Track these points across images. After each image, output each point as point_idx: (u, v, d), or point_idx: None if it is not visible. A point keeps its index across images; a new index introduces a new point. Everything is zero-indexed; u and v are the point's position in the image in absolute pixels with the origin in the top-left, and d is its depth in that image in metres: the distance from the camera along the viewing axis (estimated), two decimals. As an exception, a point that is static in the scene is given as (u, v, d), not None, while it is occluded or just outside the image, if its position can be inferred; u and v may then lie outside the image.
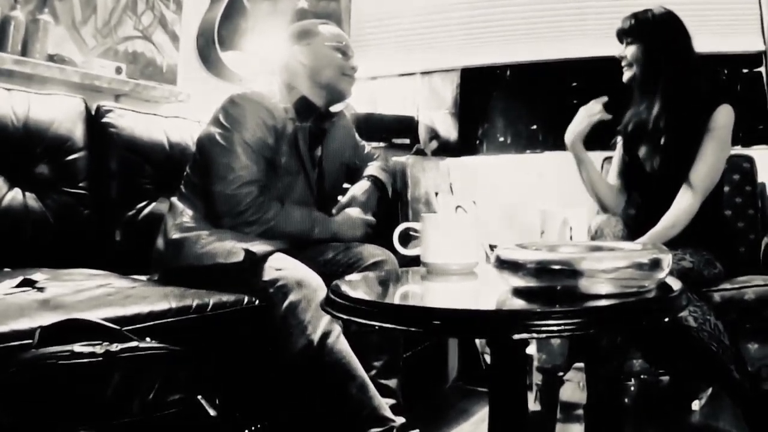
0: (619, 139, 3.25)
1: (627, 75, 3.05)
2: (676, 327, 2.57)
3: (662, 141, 2.97)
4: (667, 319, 1.49)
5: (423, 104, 5.12)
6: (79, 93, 3.21)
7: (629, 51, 3.01)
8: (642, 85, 3.03)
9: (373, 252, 2.90)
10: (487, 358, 3.73)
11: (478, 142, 5.00)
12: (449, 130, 5.00)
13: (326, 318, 2.40)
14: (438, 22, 5.10)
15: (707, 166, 2.88)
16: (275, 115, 2.86)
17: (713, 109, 2.90)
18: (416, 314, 1.48)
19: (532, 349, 3.03)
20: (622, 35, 3.05)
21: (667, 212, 2.86)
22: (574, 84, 4.67)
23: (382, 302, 1.72)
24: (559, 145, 4.45)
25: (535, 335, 1.35)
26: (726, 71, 4.23)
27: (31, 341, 1.68)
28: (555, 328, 1.34)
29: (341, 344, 2.42)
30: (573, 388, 3.61)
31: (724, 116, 2.90)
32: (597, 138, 3.32)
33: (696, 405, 3.44)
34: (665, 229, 2.83)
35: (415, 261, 2.11)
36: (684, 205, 2.85)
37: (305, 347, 2.38)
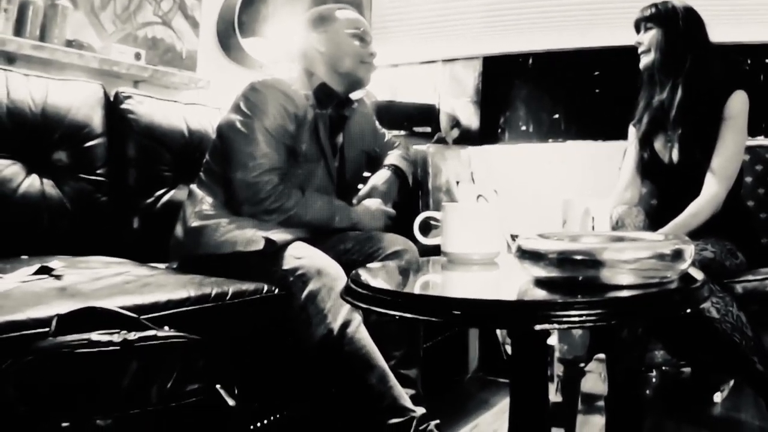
0: (632, 131, 3.23)
1: (644, 61, 3.05)
2: (698, 318, 2.57)
3: (680, 130, 2.96)
4: (689, 311, 1.48)
5: (444, 92, 5.11)
6: (97, 79, 3.22)
7: (647, 36, 3.02)
8: (662, 70, 3.02)
9: (393, 241, 2.89)
10: (508, 349, 3.72)
11: (499, 130, 4.98)
12: (471, 119, 4.98)
13: (346, 307, 2.40)
14: (460, 9, 5.08)
15: (728, 154, 2.88)
16: (296, 101, 2.86)
17: (728, 96, 2.90)
18: (437, 304, 1.48)
19: (553, 340, 3.02)
20: (641, 22, 3.05)
21: (693, 202, 2.85)
22: (597, 73, 4.64)
23: (402, 292, 1.72)
24: (581, 134, 4.45)
25: (556, 326, 1.35)
26: (749, 61, 4.20)
27: (48, 329, 1.69)
28: (576, 319, 1.34)
29: (361, 333, 2.41)
30: (594, 380, 3.60)
31: (738, 102, 2.91)
32: (616, 128, 3.31)
33: (718, 397, 3.43)
34: (688, 217, 2.82)
35: (436, 250, 2.11)
36: (709, 194, 2.85)
37: (325, 336, 2.38)
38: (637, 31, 3.08)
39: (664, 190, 3.20)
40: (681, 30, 2.96)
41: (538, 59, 4.87)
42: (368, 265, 2.11)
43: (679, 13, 2.98)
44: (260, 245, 2.59)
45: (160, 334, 1.70)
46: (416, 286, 2.04)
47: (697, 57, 2.95)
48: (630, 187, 3.17)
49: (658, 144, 3.08)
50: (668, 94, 3.00)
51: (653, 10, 3.01)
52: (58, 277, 2.20)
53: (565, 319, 1.33)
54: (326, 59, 2.99)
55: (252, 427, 2.45)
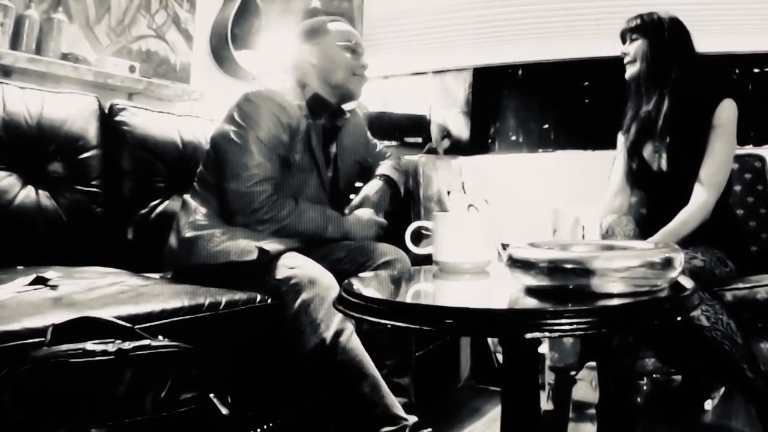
0: (621, 140, 3.25)
1: (630, 71, 3.08)
2: (689, 326, 2.58)
3: (668, 139, 2.99)
4: (679, 319, 1.49)
5: (435, 103, 5.15)
6: (92, 91, 3.23)
7: (633, 47, 3.05)
8: (649, 81, 3.04)
9: (385, 250, 2.90)
10: (500, 357, 3.73)
11: (490, 140, 5.02)
12: (461, 129, 5.01)
13: (339, 316, 2.40)
14: (450, 21, 5.12)
15: (717, 162, 2.91)
16: (289, 112, 2.87)
17: (716, 104, 2.93)
18: (428, 313, 1.48)
19: (544, 348, 3.03)
20: (627, 33, 3.08)
21: (682, 210, 2.87)
22: (586, 83, 4.68)
23: (394, 301, 1.73)
24: (571, 144, 4.48)
25: (547, 334, 1.35)
26: (737, 71, 4.24)
27: (43, 339, 1.69)
28: (567, 327, 1.34)
29: (354, 343, 2.41)
30: (585, 387, 3.60)
31: (727, 111, 2.94)
32: (605, 137, 3.32)
33: (709, 404, 3.45)
34: (678, 225, 2.85)
35: (428, 260, 2.12)
36: (698, 202, 2.87)
37: (318, 346, 2.39)
38: (623, 41, 3.11)
39: (653, 199, 3.22)
40: (666, 40, 2.98)
41: (528, 70, 4.91)
42: (360, 274, 2.12)
43: (664, 24, 3.01)
44: (254, 255, 2.60)
45: (154, 343, 1.70)
46: (408, 295, 2.03)
47: (684, 67, 2.97)
48: (619, 196, 3.19)
49: (647, 153, 3.10)
50: (655, 104, 3.02)
51: (639, 21, 3.04)
52: (53, 287, 2.20)
53: (555, 327, 1.33)
54: (318, 71, 3.00)
55: (245, 435, 2.46)
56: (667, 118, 2.98)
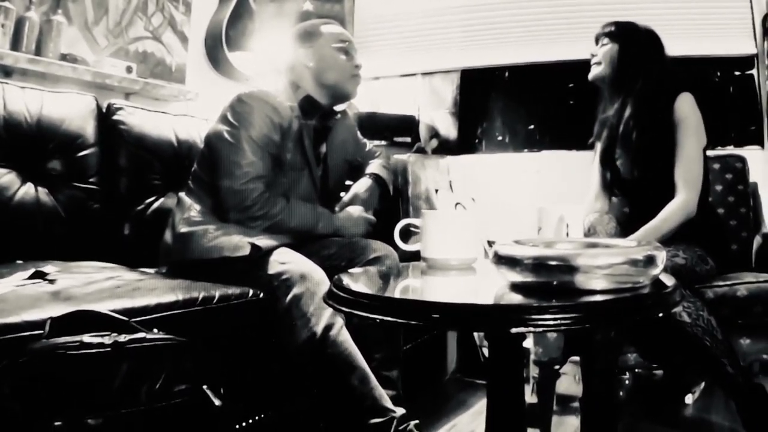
0: (597, 147, 3.29)
1: (594, 72, 3.13)
2: (670, 322, 2.60)
3: (634, 145, 3.03)
4: (661, 315, 1.52)
5: (424, 104, 5.21)
6: (90, 91, 3.26)
7: (602, 49, 3.09)
8: (612, 86, 3.10)
9: (374, 247, 2.93)
10: (485, 351, 3.76)
11: (477, 140, 5.08)
12: (449, 129, 5.06)
13: (329, 311, 2.43)
14: (439, 24, 5.17)
15: (688, 159, 2.94)
16: (281, 113, 2.90)
17: (673, 101, 2.97)
18: (416, 308, 1.50)
19: (529, 343, 3.06)
20: (600, 37, 3.12)
21: (664, 207, 2.91)
22: (571, 85, 4.73)
23: (383, 296, 1.75)
24: (555, 144, 4.53)
25: (531, 329, 1.37)
26: (719, 73, 4.27)
27: (41, 331, 1.72)
28: (551, 323, 1.36)
29: (343, 336, 2.44)
30: (569, 381, 3.64)
31: (686, 104, 2.97)
32: (589, 138, 3.36)
33: (689, 398, 3.48)
34: (659, 222, 2.87)
35: (416, 256, 2.14)
36: (679, 200, 2.90)
37: (308, 339, 2.42)
38: (596, 44, 3.15)
39: (633, 202, 3.25)
40: (636, 49, 3.02)
41: (514, 72, 4.96)
42: (350, 270, 2.15)
43: (638, 33, 3.04)
44: (246, 251, 2.64)
45: (150, 336, 1.73)
46: (396, 291, 2.03)
47: (650, 78, 3.01)
48: (599, 200, 3.21)
49: (619, 161, 3.14)
50: (617, 111, 3.07)
51: (613, 27, 3.08)
52: (51, 281, 2.23)
53: (540, 322, 1.36)
54: (313, 73, 3.04)
55: (237, 426, 2.47)
56: (627, 124, 3.03)
